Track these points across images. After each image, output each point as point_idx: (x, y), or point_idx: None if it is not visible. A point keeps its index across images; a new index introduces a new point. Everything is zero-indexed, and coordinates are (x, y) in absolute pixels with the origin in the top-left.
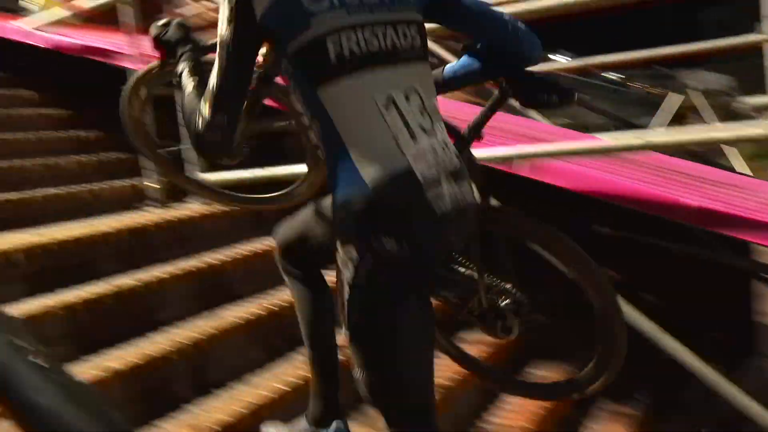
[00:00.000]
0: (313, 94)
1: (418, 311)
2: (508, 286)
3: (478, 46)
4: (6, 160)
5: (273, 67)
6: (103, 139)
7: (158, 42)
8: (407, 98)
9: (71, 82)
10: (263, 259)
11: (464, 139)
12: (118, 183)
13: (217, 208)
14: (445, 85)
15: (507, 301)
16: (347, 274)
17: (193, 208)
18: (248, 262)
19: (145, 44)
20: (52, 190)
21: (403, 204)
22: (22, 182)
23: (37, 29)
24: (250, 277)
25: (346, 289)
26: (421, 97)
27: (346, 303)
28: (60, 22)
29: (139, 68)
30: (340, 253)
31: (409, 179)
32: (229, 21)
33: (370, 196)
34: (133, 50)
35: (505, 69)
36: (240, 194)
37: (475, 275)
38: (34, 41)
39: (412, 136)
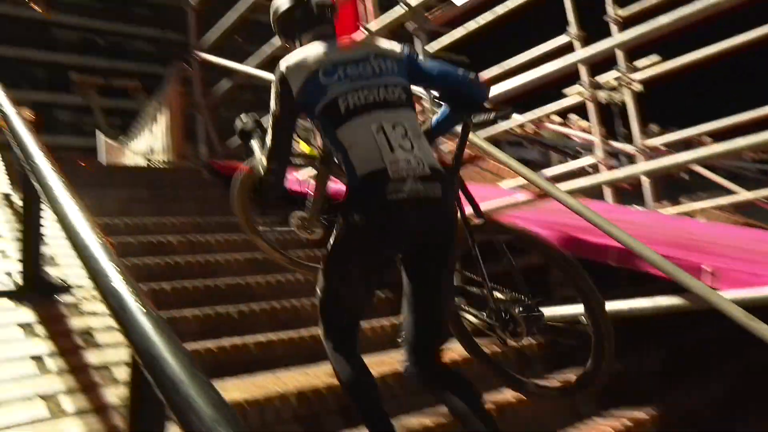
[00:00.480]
0: (334, 135)
1: (367, 264)
2: (515, 294)
3: (447, 96)
4: (281, 299)
5: (329, 154)
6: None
7: (241, 131)
8: (393, 127)
9: None
10: (530, 405)
11: (451, 168)
12: (380, 322)
13: None
14: (435, 131)
15: (517, 308)
16: (334, 233)
17: (454, 349)
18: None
19: None
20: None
21: (370, 191)
22: (294, 322)
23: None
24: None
25: (331, 240)
26: (405, 128)
27: (328, 247)
28: None
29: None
30: (337, 223)
31: (382, 175)
32: (275, 100)
33: (357, 185)
34: None
35: (466, 108)
36: None
37: (485, 289)
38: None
39: (392, 149)
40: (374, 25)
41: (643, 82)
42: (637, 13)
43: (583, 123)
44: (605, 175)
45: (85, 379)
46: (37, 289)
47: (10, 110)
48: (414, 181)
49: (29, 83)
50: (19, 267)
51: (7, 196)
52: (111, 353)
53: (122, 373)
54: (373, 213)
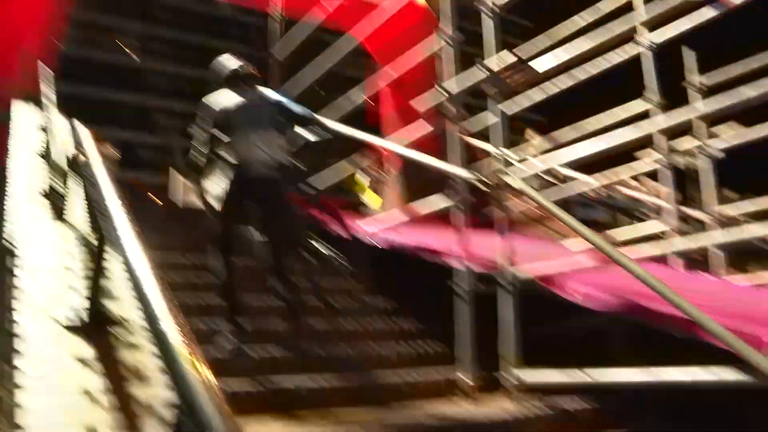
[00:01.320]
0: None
1: (236, 205)
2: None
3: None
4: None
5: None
6: (422, 331)
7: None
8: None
9: (397, 275)
10: None
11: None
12: (432, 374)
13: (527, 407)
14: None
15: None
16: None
17: (504, 407)
18: None
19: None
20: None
21: (240, 170)
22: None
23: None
24: None
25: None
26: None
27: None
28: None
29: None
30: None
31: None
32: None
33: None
34: (460, 250)
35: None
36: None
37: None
38: (375, 241)
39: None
40: (452, 85)
41: (724, 150)
42: (722, 83)
43: (660, 188)
44: (676, 244)
45: (131, 413)
46: (98, 324)
47: (92, 153)
48: (261, 166)
49: (116, 123)
50: (85, 303)
51: (84, 237)
52: (160, 391)
53: (168, 413)
54: (239, 181)
